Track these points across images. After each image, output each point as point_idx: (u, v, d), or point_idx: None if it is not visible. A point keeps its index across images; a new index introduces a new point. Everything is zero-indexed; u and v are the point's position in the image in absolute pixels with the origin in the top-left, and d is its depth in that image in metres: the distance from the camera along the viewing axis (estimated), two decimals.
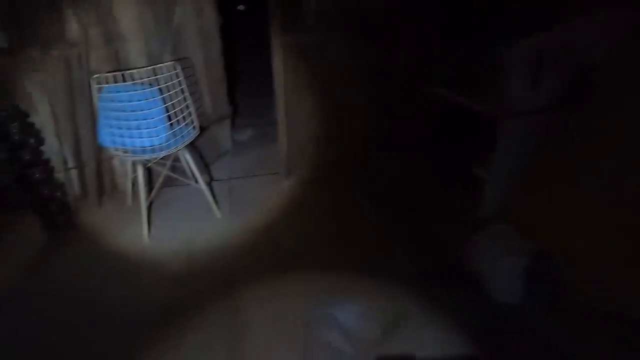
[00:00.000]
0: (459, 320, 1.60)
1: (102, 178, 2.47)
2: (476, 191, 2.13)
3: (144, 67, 1.79)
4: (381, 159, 2.80)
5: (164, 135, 1.91)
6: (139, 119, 1.84)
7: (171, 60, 1.87)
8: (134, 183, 2.53)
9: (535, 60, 1.71)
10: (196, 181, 2.25)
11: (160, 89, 1.83)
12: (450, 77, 2.33)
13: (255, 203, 2.50)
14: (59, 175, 2.32)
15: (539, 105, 1.84)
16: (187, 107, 2.00)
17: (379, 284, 1.81)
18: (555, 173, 1.87)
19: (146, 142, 1.91)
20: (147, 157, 1.97)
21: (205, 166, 2.78)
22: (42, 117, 2.21)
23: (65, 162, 2.34)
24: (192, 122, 2.06)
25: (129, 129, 1.89)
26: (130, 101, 1.83)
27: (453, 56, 2.34)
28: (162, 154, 1.97)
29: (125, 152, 2.00)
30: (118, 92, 1.84)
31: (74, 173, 2.39)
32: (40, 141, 2.12)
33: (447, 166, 2.56)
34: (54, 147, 2.24)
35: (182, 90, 1.94)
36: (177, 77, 1.88)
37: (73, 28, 2.05)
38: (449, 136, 2.55)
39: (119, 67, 2.22)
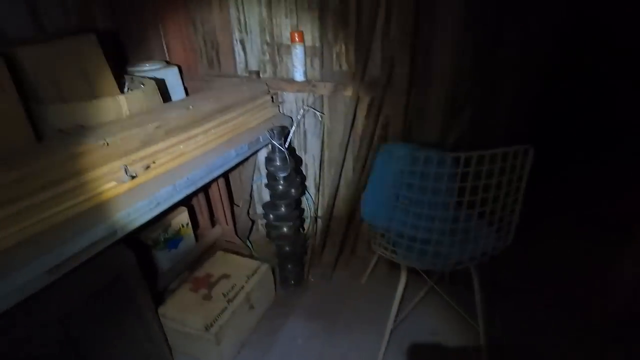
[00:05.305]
0: None
1: (346, 238, 2.02)
2: None
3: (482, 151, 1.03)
4: None
5: (457, 236, 1.16)
6: (421, 200, 1.15)
7: (521, 145, 1.05)
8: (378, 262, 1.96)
9: None
10: (469, 307, 1.43)
11: (467, 173, 1.07)
12: None
13: None
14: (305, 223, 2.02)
15: None
16: (513, 210, 1.17)
17: None
18: None
19: (422, 232, 1.20)
20: (416, 262, 1.28)
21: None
22: (309, 161, 1.92)
23: (316, 211, 2.01)
24: (509, 231, 1.23)
25: (403, 209, 1.23)
26: (417, 174, 1.15)
27: None
28: (443, 265, 1.24)
29: (387, 240, 1.38)
30: (403, 155, 1.20)
31: (319, 224, 2.03)
32: (301, 192, 1.81)
33: None
34: (310, 197, 1.92)
35: (518, 188, 1.12)
36: (522, 169, 1.07)
37: (375, 65, 1.59)
38: None
39: (410, 120, 1.63)
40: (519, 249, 1.34)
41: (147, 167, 1.17)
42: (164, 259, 1.86)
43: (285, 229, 1.77)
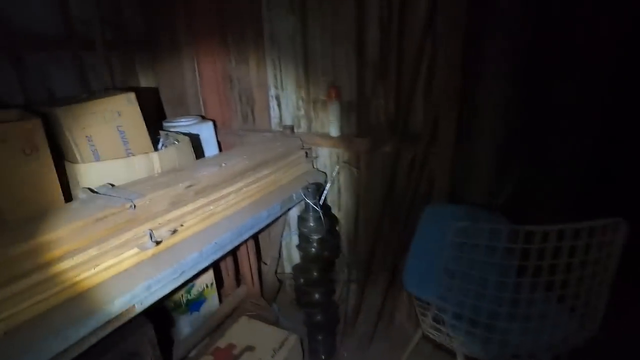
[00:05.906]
0: None
1: (384, 305, 1.80)
2: None
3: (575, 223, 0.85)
4: None
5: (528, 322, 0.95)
6: (485, 278, 0.96)
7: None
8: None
9: None
10: None
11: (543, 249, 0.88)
12: None
13: None
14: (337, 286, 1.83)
15: None
16: (600, 293, 0.96)
17: None
18: None
19: (485, 315, 0.99)
20: (479, 351, 1.06)
21: None
22: (343, 219, 1.79)
23: (349, 274, 1.83)
24: (595, 317, 1.00)
25: (460, 287, 1.04)
26: (479, 247, 0.97)
27: None
28: (512, 356, 1.01)
29: (437, 318, 1.18)
30: (462, 228, 1.03)
31: (352, 288, 1.84)
32: (335, 253, 1.66)
33: None
34: (344, 259, 1.76)
35: (606, 268, 0.92)
36: (611, 246, 0.89)
37: (417, 119, 1.49)
38: None
39: (456, 178, 1.49)
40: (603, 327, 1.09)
41: (174, 232, 1.08)
42: (184, 323, 1.72)
43: (316, 295, 1.60)
